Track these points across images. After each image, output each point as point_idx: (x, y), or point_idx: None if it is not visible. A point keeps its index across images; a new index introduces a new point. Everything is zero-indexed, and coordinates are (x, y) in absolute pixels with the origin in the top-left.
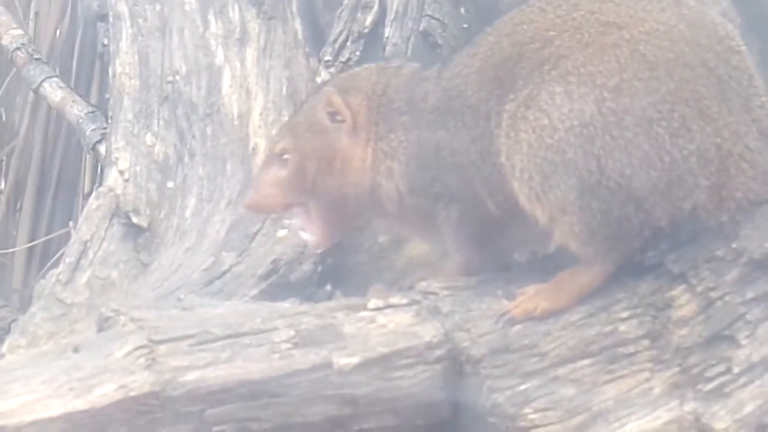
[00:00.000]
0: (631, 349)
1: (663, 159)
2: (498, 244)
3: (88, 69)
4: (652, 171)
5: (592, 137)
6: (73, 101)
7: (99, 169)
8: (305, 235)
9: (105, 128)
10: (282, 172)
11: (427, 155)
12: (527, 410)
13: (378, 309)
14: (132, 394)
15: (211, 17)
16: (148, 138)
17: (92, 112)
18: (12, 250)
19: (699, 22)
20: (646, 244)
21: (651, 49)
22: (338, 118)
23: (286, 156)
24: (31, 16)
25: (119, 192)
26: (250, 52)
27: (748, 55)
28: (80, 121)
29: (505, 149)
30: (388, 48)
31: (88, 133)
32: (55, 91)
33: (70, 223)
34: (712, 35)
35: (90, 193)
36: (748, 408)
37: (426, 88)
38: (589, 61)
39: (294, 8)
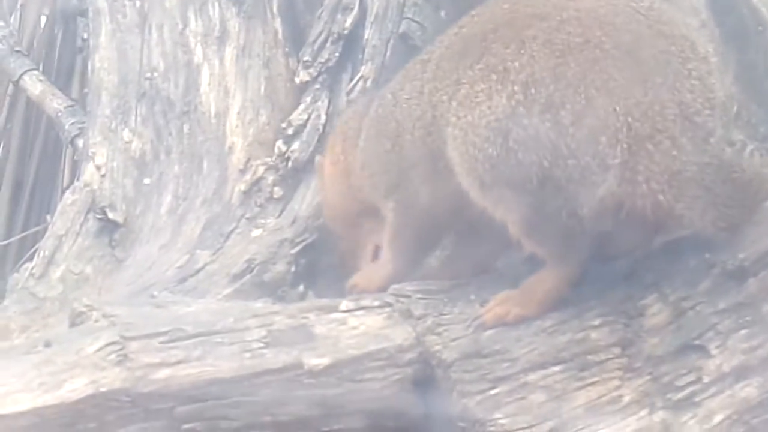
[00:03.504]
0: (602, 356)
1: (569, 144)
2: (431, 250)
3: (68, 63)
4: (565, 158)
5: (505, 132)
6: (53, 95)
7: (77, 163)
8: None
9: (84, 123)
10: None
11: (373, 145)
12: (497, 415)
13: (350, 311)
14: (102, 389)
15: (190, 15)
16: (126, 134)
17: (71, 106)
18: None
19: (625, 6)
20: (600, 244)
21: (562, 36)
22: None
23: None
24: (17, 7)
25: (95, 187)
26: (229, 51)
27: (698, 42)
28: (59, 114)
29: (450, 143)
30: (367, 50)
31: (67, 127)
32: (35, 84)
33: (48, 217)
34: (639, 19)
35: (69, 188)
36: (718, 418)
37: (382, 93)
38: (508, 57)
39: (274, 8)
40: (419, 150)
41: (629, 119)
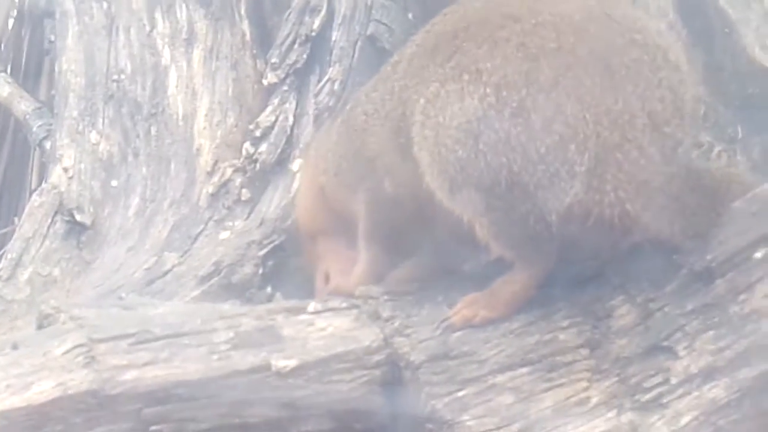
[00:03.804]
0: (570, 358)
1: (539, 149)
2: (410, 248)
3: (36, 65)
4: (534, 163)
5: (476, 134)
6: (21, 97)
7: (45, 165)
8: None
9: (51, 125)
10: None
11: (343, 141)
12: (465, 417)
13: (317, 312)
14: (70, 392)
15: (158, 16)
16: (93, 136)
17: (39, 108)
18: None
19: (600, 13)
20: (567, 247)
21: (536, 40)
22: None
23: None
24: None
25: (63, 189)
26: (197, 53)
27: (670, 51)
28: (27, 117)
29: (417, 142)
30: (334, 52)
31: (34, 129)
32: (2, 87)
33: (15, 220)
34: (612, 26)
35: (36, 190)
36: (685, 419)
37: (357, 95)
38: (481, 58)
39: (242, 10)
40: (387, 145)
41: (598, 127)
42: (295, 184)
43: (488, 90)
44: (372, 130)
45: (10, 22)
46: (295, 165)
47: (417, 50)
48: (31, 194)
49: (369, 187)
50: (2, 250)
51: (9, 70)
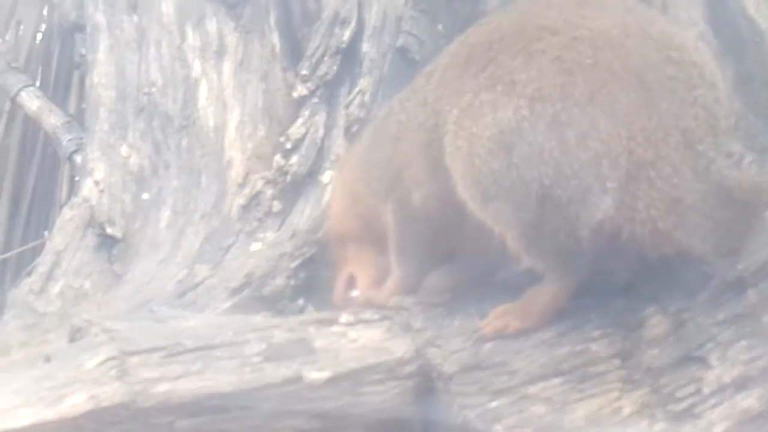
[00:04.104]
0: (602, 368)
1: (572, 165)
2: (439, 259)
3: (65, 79)
4: (567, 177)
5: (509, 146)
6: (50, 111)
7: (75, 179)
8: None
9: (81, 138)
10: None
11: (375, 150)
12: (497, 427)
13: (350, 324)
14: (103, 404)
15: (188, 29)
16: (124, 149)
17: (69, 122)
18: None
19: (637, 29)
20: (598, 260)
21: (572, 55)
22: None
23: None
24: (12, 24)
25: (94, 203)
26: (227, 65)
27: (706, 68)
28: (57, 130)
29: (450, 153)
30: (365, 64)
31: (64, 143)
32: (32, 101)
33: (45, 233)
34: (649, 43)
35: (66, 204)
36: (718, 429)
37: (390, 103)
38: (516, 69)
39: (272, 22)
40: (418, 154)
41: (632, 144)
42: (327, 196)
43: (522, 102)
44: (404, 139)
45: (39, 36)
46: (326, 177)
47: (451, 61)
48: (60, 208)
49: (398, 197)
50: (33, 264)
51: (38, 84)
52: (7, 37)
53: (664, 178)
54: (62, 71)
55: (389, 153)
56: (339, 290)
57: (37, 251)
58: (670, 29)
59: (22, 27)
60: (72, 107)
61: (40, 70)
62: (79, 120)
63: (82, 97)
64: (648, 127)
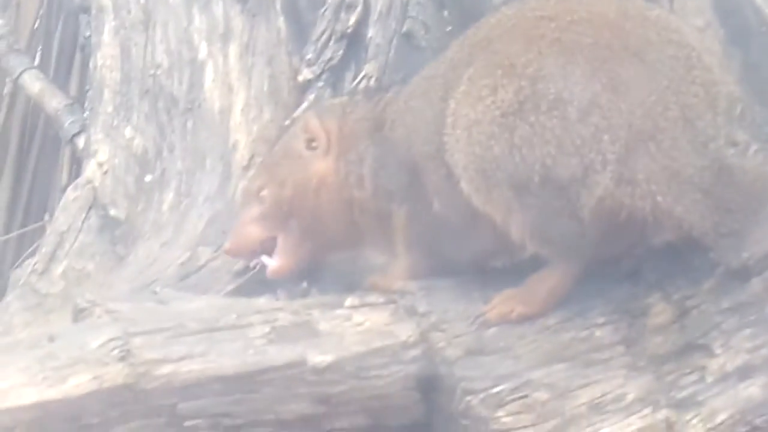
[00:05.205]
0: (606, 354)
1: (574, 141)
2: (450, 252)
3: (67, 61)
4: (569, 155)
5: (511, 127)
6: (52, 93)
7: (76, 162)
8: (267, 261)
9: (83, 121)
10: (260, 209)
11: (386, 154)
12: (500, 413)
13: (354, 307)
14: (106, 385)
15: (195, 12)
16: (128, 131)
17: (71, 104)
18: None
19: (636, 13)
20: (602, 243)
21: (571, 36)
22: (314, 144)
23: (263, 192)
24: (14, 4)
25: (97, 184)
26: (233, 49)
27: (704, 53)
28: (58, 113)
29: (449, 147)
30: (370, 49)
31: (66, 125)
32: (33, 83)
33: (46, 216)
34: (647, 25)
35: (67, 186)
36: (721, 417)
37: (391, 98)
38: (514, 53)
39: (278, 6)
40: (435, 159)
41: (631, 117)
42: None
43: (523, 83)
44: (413, 145)
45: (40, 17)
46: None
47: (450, 64)
48: (61, 191)
49: (412, 198)
50: (35, 245)
51: (40, 65)
52: (8, 19)
53: (663, 151)
54: (64, 53)
55: (401, 158)
56: (247, 241)
57: (37, 234)
58: (667, 15)
59: (22, 9)
60: (73, 89)
61: (42, 52)
62: (81, 102)
63: (84, 79)
64: (647, 101)
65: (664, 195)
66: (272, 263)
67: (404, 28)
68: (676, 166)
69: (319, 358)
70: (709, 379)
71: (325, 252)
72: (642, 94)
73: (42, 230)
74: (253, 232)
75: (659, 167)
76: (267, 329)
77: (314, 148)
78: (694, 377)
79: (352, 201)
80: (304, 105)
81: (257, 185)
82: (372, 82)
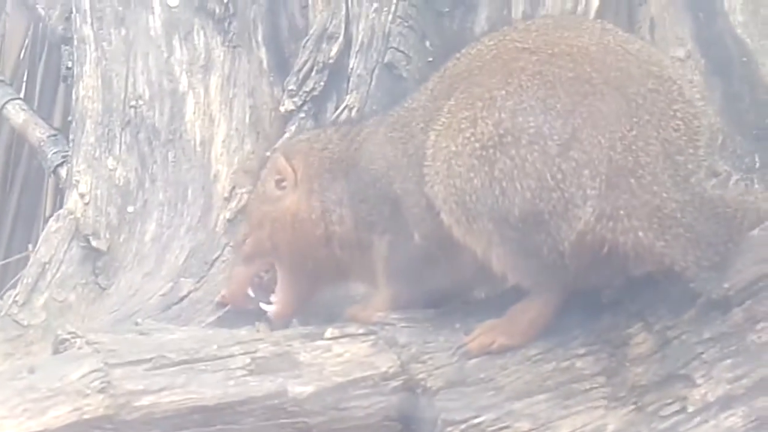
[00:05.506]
0: (587, 385)
1: (555, 176)
2: (431, 283)
3: (51, 92)
4: (549, 190)
5: (491, 160)
6: (36, 124)
7: (60, 192)
8: (266, 307)
9: (67, 151)
10: (245, 254)
11: (366, 185)
12: None
13: (334, 338)
14: (86, 416)
15: (176, 43)
16: (110, 162)
17: (54, 135)
18: None
19: (617, 46)
20: (583, 276)
21: (552, 69)
22: (283, 184)
23: (248, 240)
24: None
25: (79, 215)
26: (215, 80)
27: (685, 86)
28: (42, 143)
29: (429, 179)
30: (352, 79)
31: (49, 155)
32: (17, 113)
33: (30, 246)
34: (629, 59)
35: (51, 217)
36: None
37: (368, 131)
38: (495, 86)
39: (259, 37)
40: (414, 191)
41: (611, 152)
42: None
43: (503, 115)
44: (396, 177)
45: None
46: None
47: (431, 95)
48: (44, 221)
49: (395, 232)
50: (18, 276)
51: (23, 96)
52: None
53: (644, 186)
54: (48, 84)
55: (382, 190)
56: (238, 286)
57: (20, 264)
58: (648, 48)
59: (7, 41)
60: (57, 120)
61: (24, 83)
62: (64, 133)
63: (67, 110)
64: (628, 135)
65: (646, 230)
66: (271, 308)
67: (386, 59)
68: (658, 202)
69: (299, 389)
70: (691, 409)
71: (318, 287)
72: (623, 128)
73: (26, 261)
74: (242, 275)
75: (640, 202)
76: (248, 360)
77: (284, 188)
78: (675, 407)
79: (329, 234)
80: (286, 136)
81: (242, 235)
82: (354, 112)
